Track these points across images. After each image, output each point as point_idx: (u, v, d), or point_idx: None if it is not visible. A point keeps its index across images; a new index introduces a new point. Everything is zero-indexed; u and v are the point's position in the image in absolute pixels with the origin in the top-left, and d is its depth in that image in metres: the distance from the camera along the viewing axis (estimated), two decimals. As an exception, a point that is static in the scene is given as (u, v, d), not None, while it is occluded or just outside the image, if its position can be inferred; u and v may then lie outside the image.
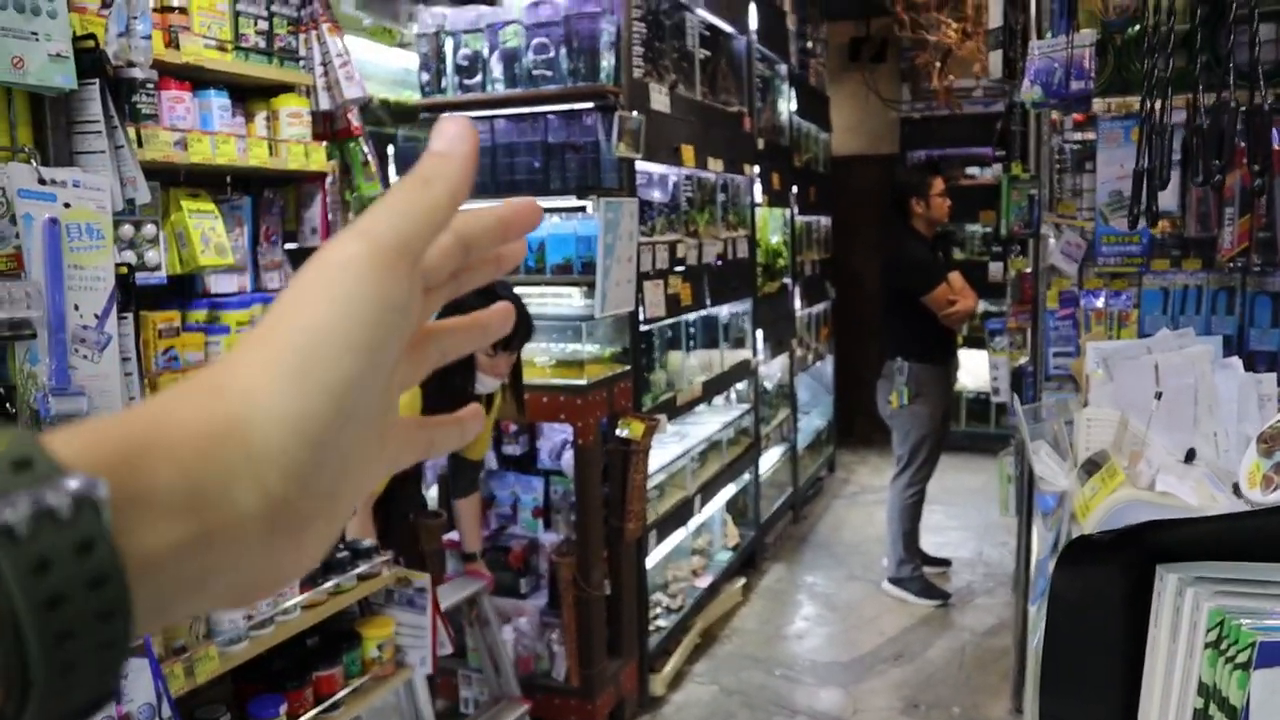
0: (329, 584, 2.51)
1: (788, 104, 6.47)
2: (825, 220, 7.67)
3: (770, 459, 6.22)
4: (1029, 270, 3.96)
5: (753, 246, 5.65)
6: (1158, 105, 2.48)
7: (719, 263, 5.01)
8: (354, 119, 2.79)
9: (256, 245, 2.55)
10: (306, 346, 0.40)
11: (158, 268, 2.21)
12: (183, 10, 2.24)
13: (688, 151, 4.57)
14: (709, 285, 4.88)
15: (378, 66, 6.44)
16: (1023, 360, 3.96)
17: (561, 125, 3.95)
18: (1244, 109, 2.49)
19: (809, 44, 7.32)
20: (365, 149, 2.90)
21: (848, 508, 7.10)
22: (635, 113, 3.93)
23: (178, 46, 2.21)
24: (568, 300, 4.12)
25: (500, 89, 4.02)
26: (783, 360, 6.38)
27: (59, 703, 0.33)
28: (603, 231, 3.72)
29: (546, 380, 3.82)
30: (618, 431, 3.96)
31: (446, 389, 3.00)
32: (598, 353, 3.99)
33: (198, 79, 2.32)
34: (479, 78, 4.06)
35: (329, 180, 2.62)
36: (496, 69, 4.03)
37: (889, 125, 8.58)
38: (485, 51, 4.04)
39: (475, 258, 0.50)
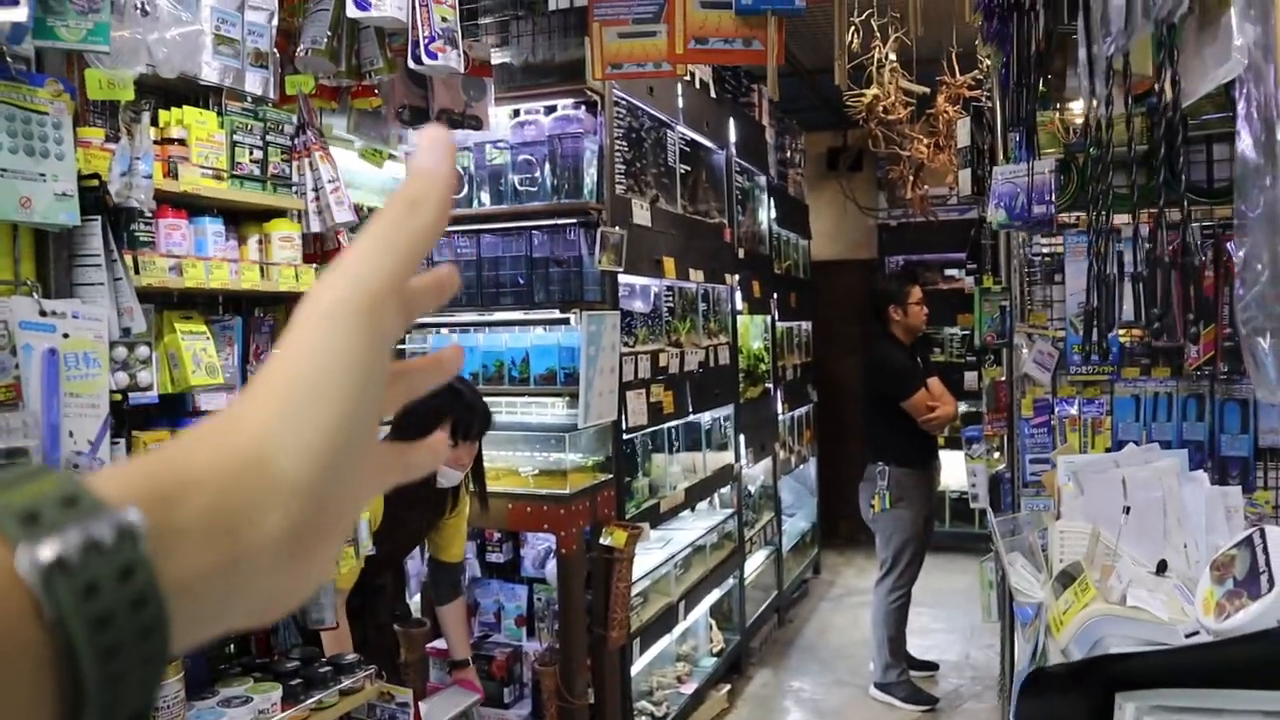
0: (311, 700, 2.50)
1: (767, 213, 6.64)
2: (806, 325, 7.79)
3: (755, 562, 6.21)
4: (1003, 379, 4.04)
5: (734, 353, 5.73)
6: (1103, 242, 2.58)
7: (701, 370, 5.09)
8: (345, 240, 2.87)
9: (246, 363, 2.60)
10: (308, 388, 0.44)
11: (150, 388, 2.26)
12: (182, 142, 2.33)
13: (669, 263, 4.68)
14: (691, 392, 4.94)
15: (368, 176, 6.58)
16: (1000, 467, 4.02)
17: (545, 240, 4.05)
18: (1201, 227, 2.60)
19: (788, 154, 7.53)
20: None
21: (833, 610, 7.07)
22: (617, 228, 4.04)
23: (176, 176, 2.29)
24: (551, 410, 4.17)
25: (487, 204, 4.14)
26: (766, 463, 6.42)
27: (108, 714, 0.37)
28: (586, 343, 3.80)
29: (529, 490, 3.86)
30: (601, 540, 3.98)
31: (408, 486, 3.05)
32: (581, 462, 4.03)
33: (194, 205, 2.40)
34: (465, 193, 4.17)
35: (319, 300, 2.69)
36: (483, 186, 4.15)
37: (867, 231, 8.77)
38: (472, 169, 4.16)
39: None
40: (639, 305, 4.58)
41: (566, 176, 4.04)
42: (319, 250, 2.86)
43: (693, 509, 5.07)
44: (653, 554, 4.75)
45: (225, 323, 2.53)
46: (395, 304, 0.48)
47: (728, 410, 5.67)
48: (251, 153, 2.53)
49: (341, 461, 0.44)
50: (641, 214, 4.39)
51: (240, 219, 2.63)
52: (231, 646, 2.80)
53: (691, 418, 5.07)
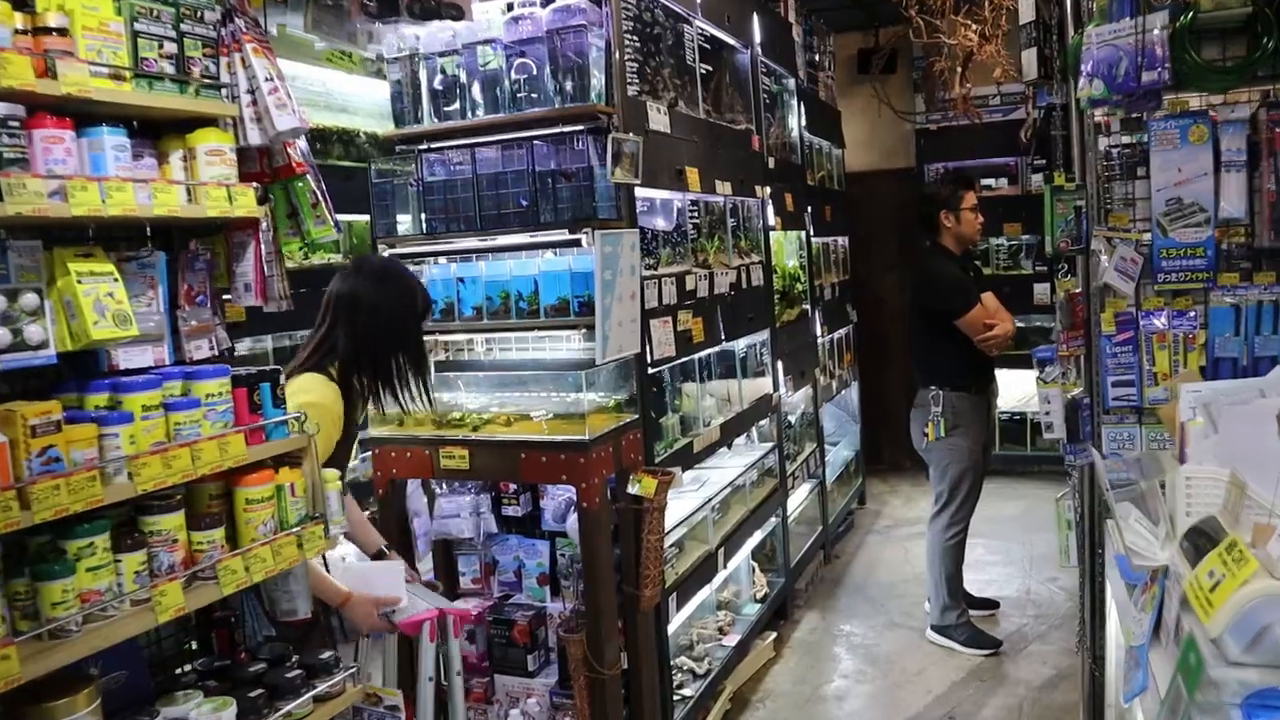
0: (278, 714, 2.05)
1: (798, 120, 6.02)
2: (843, 240, 7.19)
3: (798, 498, 5.73)
4: (1079, 290, 3.48)
5: (768, 273, 5.18)
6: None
7: (732, 293, 4.55)
8: (296, 154, 2.35)
9: (175, 308, 2.10)
10: None
11: (43, 345, 1.77)
12: (62, 32, 1.81)
13: (692, 174, 4.12)
14: (723, 318, 4.41)
15: (361, 98, 6.03)
16: (1076, 391, 3.48)
17: (550, 152, 3.50)
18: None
19: (816, 56, 6.88)
20: (315, 187, 2.46)
21: (882, 544, 6.58)
22: (631, 134, 3.49)
23: (55, 75, 1.77)
24: (566, 345, 3.66)
25: (481, 115, 3.59)
26: (806, 391, 5.89)
27: None
28: (600, 267, 3.27)
29: (544, 436, 3.36)
30: (628, 489, 3.49)
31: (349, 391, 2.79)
32: (601, 402, 3.52)
33: (87, 114, 1.88)
34: (457, 104, 3.63)
35: (263, 227, 2.18)
36: (476, 94, 3.60)
37: (903, 138, 8.11)
38: (463, 76, 3.60)
39: None
40: (660, 223, 4.03)
41: (570, 78, 3.47)
42: (266, 167, 2.34)
43: (729, 446, 4.58)
44: (687, 498, 4.26)
45: (144, 260, 2.03)
46: None
47: (763, 336, 5.13)
48: (162, 46, 2.00)
49: None
50: (659, 119, 3.82)
51: (162, 131, 2.12)
52: (193, 643, 2.35)
53: (724, 346, 4.54)
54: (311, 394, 2.62)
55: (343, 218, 5.85)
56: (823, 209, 6.45)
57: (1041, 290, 4.36)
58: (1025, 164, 7.57)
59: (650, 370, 3.71)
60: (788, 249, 5.78)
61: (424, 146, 3.67)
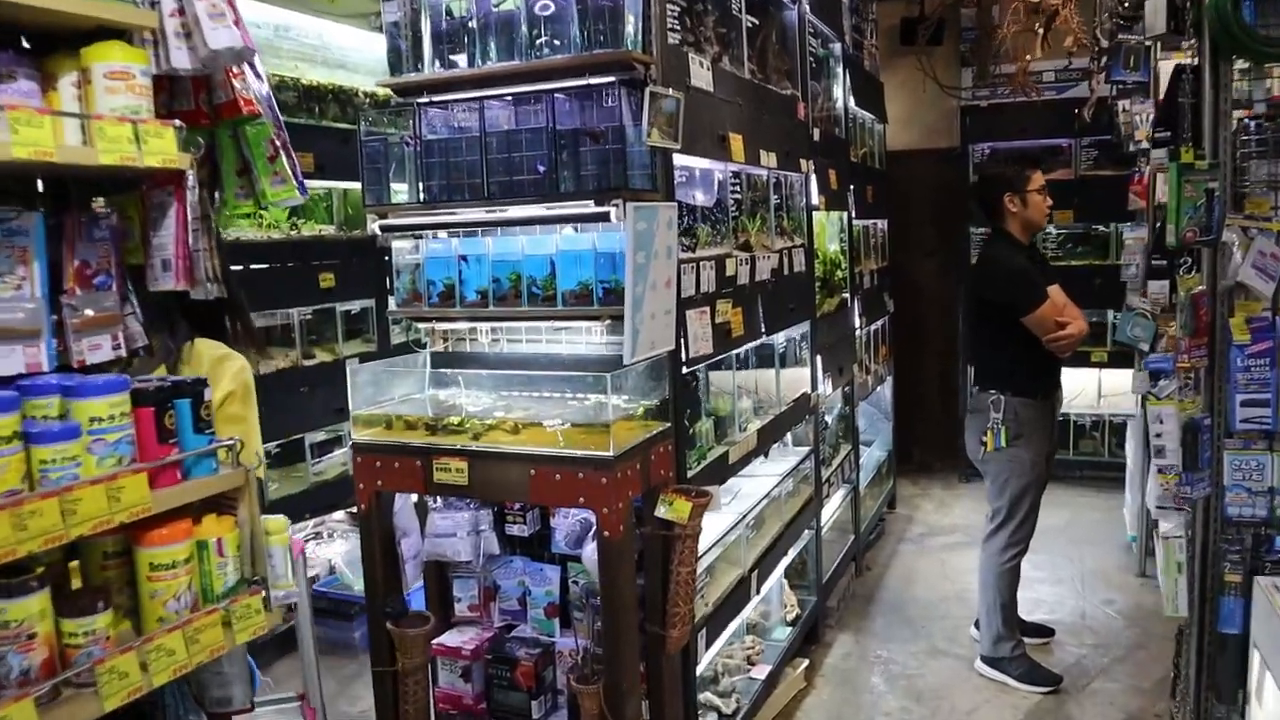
0: None
1: (843, 89, 5.39)
2: (882, 224, 6.56)
3: (831, 506, 5.13)
4: (1203, 290, 2.88)
5: (810, 257, 4.57)
6: None
7: (773, 280, 3.94)
8: (243, 87, 1.74)
9: (59, 290, 1.50)
10: None
11: None
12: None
13: (736, 141, 3.50)
14: (764, 308, 3.80)
15: (361, 54, 5.38)
16: (1196, 411, 2.87)
17: (574, 108, 2.88)
18: None
19: (861, 23, 6.23)
20: (275, 137, 1.85)
21: (917, 554, 5.99)
22: (671, 89, 2.87)
23: None
24: (587, 339, 3.06)
25: (493, 62, 2.96)
26: (842, 388, 5.29)
27: None
28: (632, 247, 2.66)
29: (559, 450, 2.76)
30: (657, 511, 2.90)
31: None
32: (628, 409, 2.92)
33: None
34: (465, 50, 3.01)
35: (189, 183, 1.57)
36: (488, 37, 2.97)
37: (946, 115, 7.46)
38: (472, 15, 2.98)
39: None
40: (699, 196, 3.41)
41: (601, 22, 2.85)
42: (205, 105, 1.73)
43: (766, 455, 3.98)
44: (721, 515, 3.67)
45: (10, 223, 1.43)
46: None
47: (803, 328, 4.52)
48: (40, -82, 1.40)
49: None
50: (701, 74, 3.20)
51: (52, 45, 1.51)
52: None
53: (764, 340, 3.93)
54: (237, 358, 1.99)
55: (339, 185, 5.31)
56: (865, 189, 5.82)
57: (1158, 289, 3.73)
58: (1079, 146, 6.93)
59: (685, 369, 3.11)
60: (830, 231, 5.16)
61: (424, 99, 3.05)
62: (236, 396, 1.90)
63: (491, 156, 2.93)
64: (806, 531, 4.58)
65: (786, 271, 4.14)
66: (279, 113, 1.91)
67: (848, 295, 5.31)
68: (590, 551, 2.89)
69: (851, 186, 5.42)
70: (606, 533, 2.70)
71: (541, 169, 2.87)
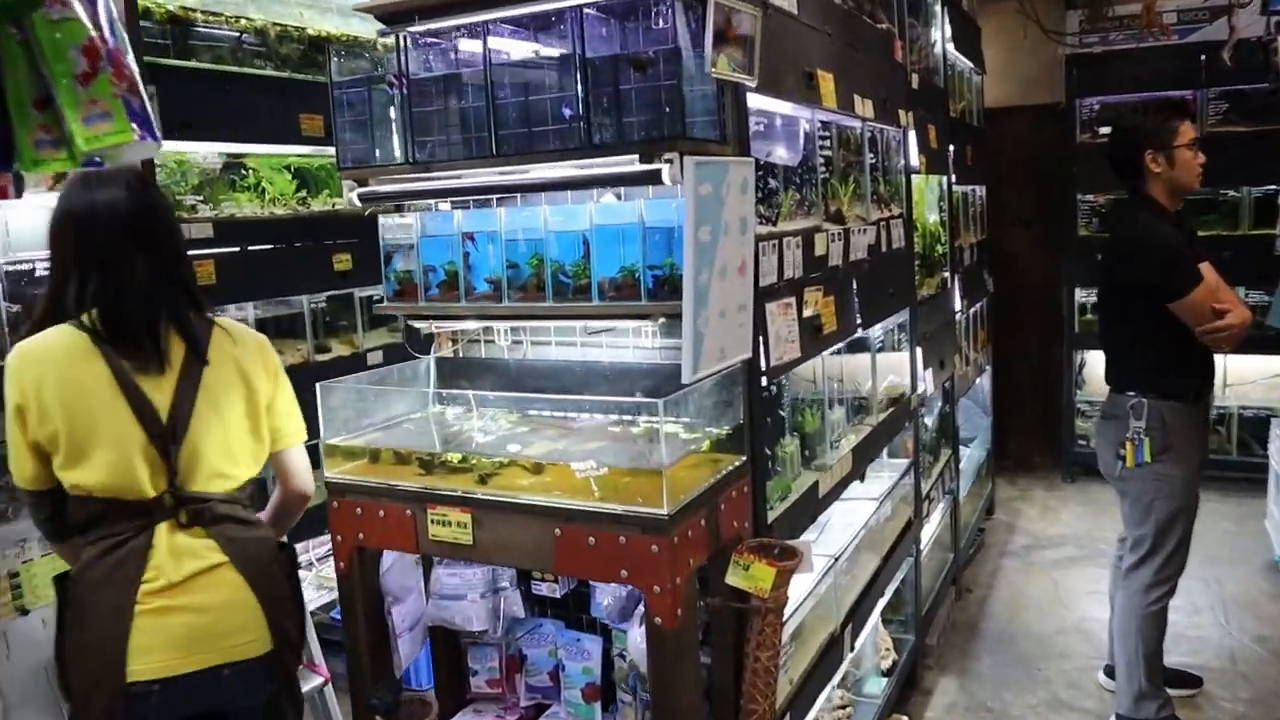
0: None
1: (941, 30, 4.50)
2: (981, 191, 5.65)
3: (930, 524, 4.29)
4: None
5: (910, 230, 3.72)
6: None
7: (869, 260, 3.11)
8: None
9: None
10: None
11: None
12: None
13: (825, 81, 2.67)
14: (859, 296, 2.98)
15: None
16: None
17: (612, 30, 2.08)
18: None
19: (955, -42, 5.32)
20: (90, 40, 1.07)
21: (1023, 572, 5.11)
22: (747, 2, 2.06)
23: None
24: (633, 343, 2.27)
25: (505, -29, 2.17)
26: (943, 384, 4.44)
27: None
28: (693, 219, 1.86)
29: (594, 505, 1.97)
30: (729, 578, 2.11)
31: None
32: (689, 443, 2.12)
33: None
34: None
35: None
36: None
37: (1047, 66, 6.50)
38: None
39: None
40: (781, 153, 2.59)
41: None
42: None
43: (862, 478, 3.15)
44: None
45: None
46: None
47: (902, 316, 3.68)
48: None
49: None
50: (784, -12, 2.38)
51: None
52: None
53: (859, 334, 3.11)
54: None
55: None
56: (964, 149, 4.93)
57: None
58: (1205, 98, 5.94)
59: (765, 382, 2.30)
60: (929, 199, 4.29)
61: (415, 26, 2.26)
62: None
63: (501, 100, 2.14)
64: (905, 561, 3.76)
65: (884, 248, 3.30)
66: (117, 19, 1.15)
67: (948, 274, 4.45)
68: (638, 637, 2.11)
69: (951, 146, 4.54)
70: (659, 619, 1.91)
71: (568, 114, 2.07)
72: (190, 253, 3.48)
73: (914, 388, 3.75)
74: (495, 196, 2.31)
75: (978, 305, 5.33)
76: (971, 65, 5.43)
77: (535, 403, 2.35)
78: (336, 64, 2.30)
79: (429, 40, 2.24)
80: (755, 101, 2.28)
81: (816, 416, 2.86)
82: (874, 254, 3.16)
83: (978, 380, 5.55)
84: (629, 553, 1.89)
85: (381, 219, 2.36)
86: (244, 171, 4.00)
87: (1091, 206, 6.19)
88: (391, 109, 2.25)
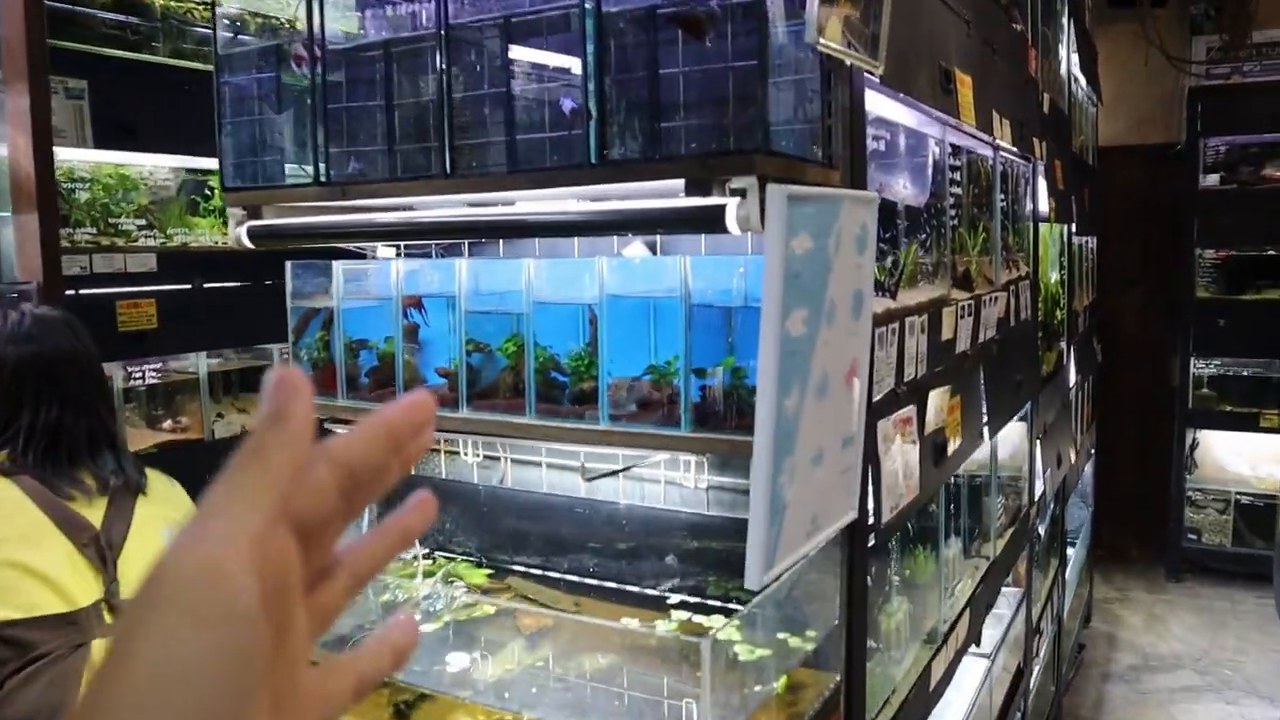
0: None
1: (1068, 49, 3.60)
2: (1092, 242, 4.72)
3: (1038, 661, 3.35)
4: None
5: (1035, 295, 2.82)
6: None
7: (999, 339, 2.22)
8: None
9: None
10: (164, 682, 0.31)
11: None
12: None
13: (965, 87, 1.80)
14: (987, 389, 2.09)
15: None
16: None
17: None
18: None
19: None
20: None
21: (1134, 705, 4.12)
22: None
23: None
24: (662, 476, 1.40)
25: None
26: (1057, 483, 3.50)
27: None
28: (779, 296, 1.00)
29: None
30: None
31: None
32: (753, 672, 1.24)
33: None
34: None
35: None
36: None
37: (1163, 101, 5.57)
38: None
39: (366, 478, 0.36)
40: (904, 188, 1.70)
41: None
42: None
43: (978, 643, 2.24)
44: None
45: None
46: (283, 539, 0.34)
47: (1023, 409, 2.77)
48: None
49: None
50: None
51: None
52: None
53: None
54: None
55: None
56: (1082, 193, 4.02)
57: None
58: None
59: (873, 542, 1.42)
60: (1050, 254, 3.37)
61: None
62: None
63: (468, 87, 1.29)
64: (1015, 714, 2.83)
65: (1012, 321, 2.41)
66: None
67: (1064, 345, 3.53)
68: None
69: (1073, 190, 3.63)
70: None
71: (569, 108, 1.22)
72: (125, 290, 2.68)
73: (1031, 498, 2.84)
74: (457, 240, 1.46)
75: (1089, 380, 4.40)
76: (1089, 93, 4.51)
77: (515, 549, 1.49)
78: (225, 34, 1.47)
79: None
80: (874, 104, 1.42)
81: (930, 559, 1.96)
82: (1002, 330, 2.27)
83: (1085, 468, 4.60)
84: None
85: (290, 265, 1.52)
86: (208, 191, 3.21)
87: (1214, 263, 5.24)
88: (305, 100, 1.41)
